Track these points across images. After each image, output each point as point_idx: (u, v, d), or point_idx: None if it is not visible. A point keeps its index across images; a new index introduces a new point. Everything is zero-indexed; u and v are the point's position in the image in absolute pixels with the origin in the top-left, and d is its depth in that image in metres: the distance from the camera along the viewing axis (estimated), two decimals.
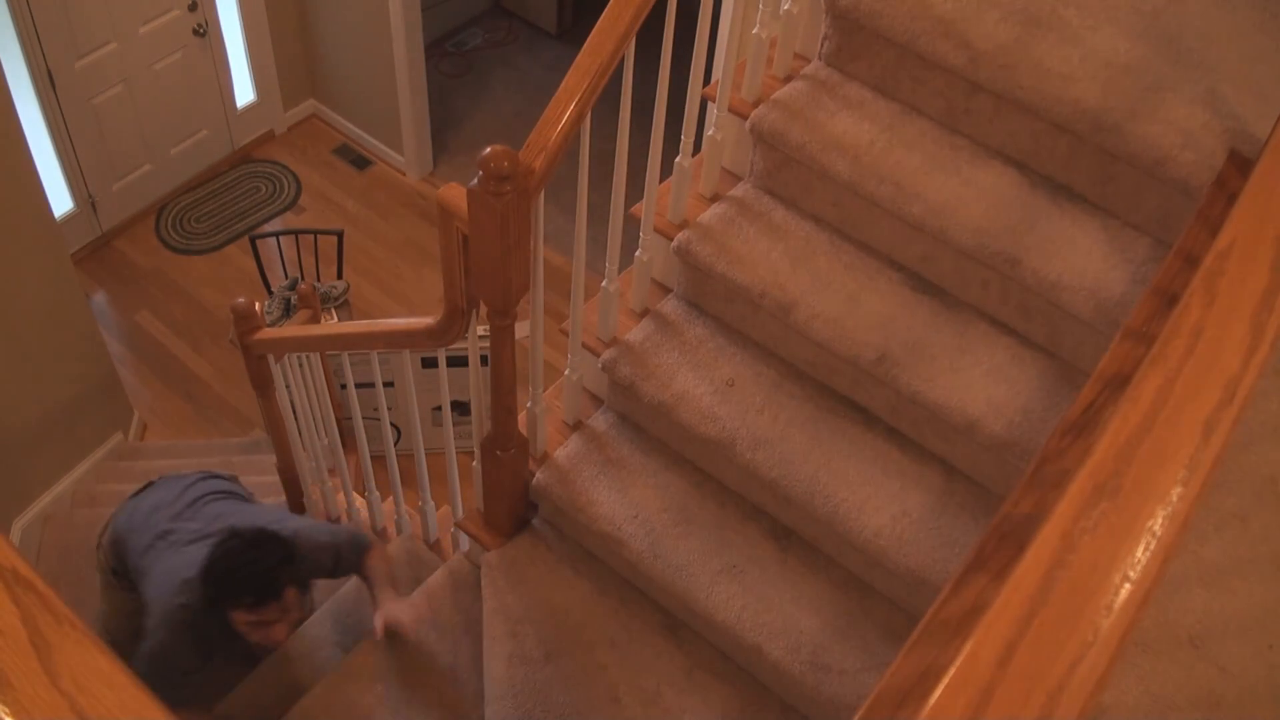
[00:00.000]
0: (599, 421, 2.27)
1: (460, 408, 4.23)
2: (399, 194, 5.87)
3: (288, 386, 3.02)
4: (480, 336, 2.10)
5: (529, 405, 2.14)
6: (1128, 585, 0.81)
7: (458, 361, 3.74)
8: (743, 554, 2.07)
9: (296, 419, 3.11)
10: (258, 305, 3.02)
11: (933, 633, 0.86)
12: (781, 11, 2.18)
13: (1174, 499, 0.87)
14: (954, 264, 2.02)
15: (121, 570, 2.58)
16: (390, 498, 3.08)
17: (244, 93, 5.81)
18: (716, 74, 2.24)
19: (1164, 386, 0.96)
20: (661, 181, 2.15)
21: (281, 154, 6.00)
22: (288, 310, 4.64)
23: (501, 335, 1.88)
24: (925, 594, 1.90)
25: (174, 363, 5.03)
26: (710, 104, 2.22)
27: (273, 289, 4.86)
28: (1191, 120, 1.84)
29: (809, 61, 2.23)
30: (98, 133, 5.10)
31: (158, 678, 2.15)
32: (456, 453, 2.58)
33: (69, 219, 5.17)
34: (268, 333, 2.99)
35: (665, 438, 2.21)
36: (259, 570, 2.11)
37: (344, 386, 2.84)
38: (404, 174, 5.94)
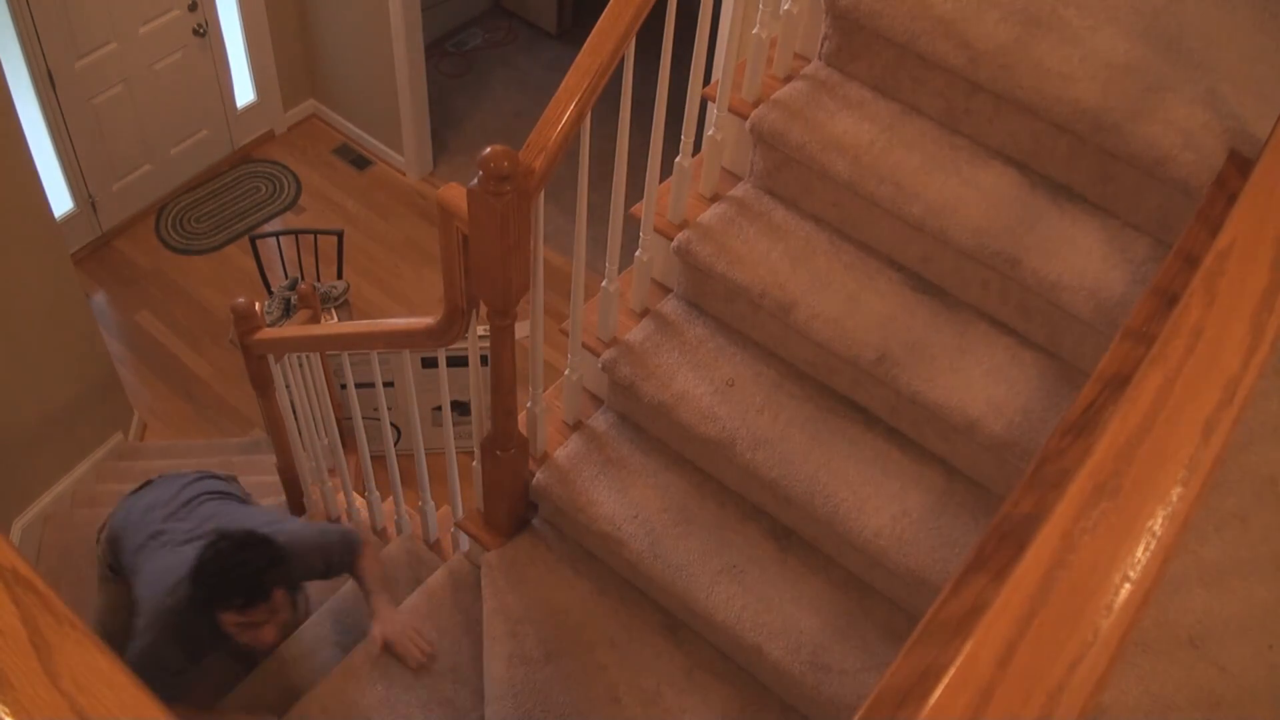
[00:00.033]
0: (599, 421, 2.27)
1: (460, 408, 4.23)
2: (399, 194, 5.87)
3: (288, 386, 3.02)
4: (480, 336, 2.10)
5: (529, 405, 2.14)
6: (1128, 585, 0.81)
7: (458, 361, 3.74)
8: (743, 554, 2.07)
9: (296, 419, 3.11)
10: (258, 305, 3.02)
11: (933, 633, 0.86)
12: (781, 11, 2.18)
13: (1174, 499, 0.87)
14: (954, 264, 2.02)
15: (117, 567, 2.59)
16: (390, 498, 3.08)
17: (244, 93, 5.81)
18: (716, 74, 2.24)
19: (1164, 386, 0.96)
20: (661, 181, 2.15)
21: (281, 154, 6.00)
22: (288, 310, 4.64)
23: (501, 335, 1.88)
24: (925, 594, 1.90)
25: (174, 363, 5.03)
26: (710, 104, 2.22)
27: (273, 289, 4.86)
28: (1191, 120, 1.84)
29: (809, 61, 2.23)
30: (98, 133, 5.10)
31: (147, 678, 2.15)
32: (456, 453, 2.58)
33: (69, 219, 5.17)
34: (268, 333, 2.99)
35: (665, 438, 2.21)
36: (247, 572, 2.12)
37: (344, 386, 2.84)
38: (404, 174, 5.94)
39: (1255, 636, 1.54)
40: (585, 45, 1.73)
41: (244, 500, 2.71)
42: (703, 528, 2.10)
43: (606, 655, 2.09)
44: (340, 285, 4.86)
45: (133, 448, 4.50)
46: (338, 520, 3.30)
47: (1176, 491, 0.88)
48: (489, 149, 1.58)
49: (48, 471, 4.15)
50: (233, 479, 2.87)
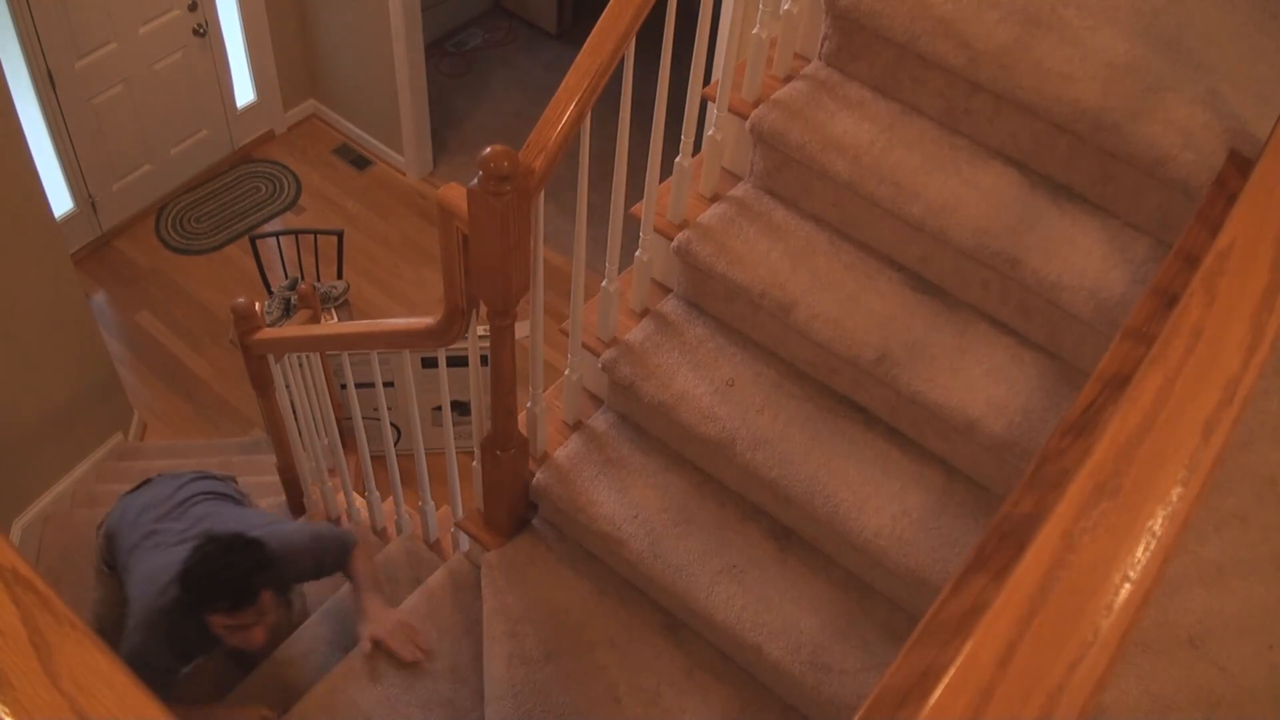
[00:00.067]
0: (599, 421, 2.27)
1: (460, 408, 4.23)
2: (399, 194, 5.87)
3: (288, 386, 3.02)
4: (480, 336, 2.10)
5: (529, 405, 2.14)
6: (1128, 585, 0.81)
7: (458, 361, 3.74)
8: (743, 554, 2.07)
9: (296, 419, 3.11)
10: (258, 305, 3.02)
11: (933, 633, 0.86)
12: (781, 11, 2.18)
13: (1174, 499, 0.87)
14: (954, 264, 2.02)
15: (113, 563, 2.60)
16: (390, 498, 3.08)
17: (244, 93, 5.81)
18: (716, 74, 2.24)
19: (1164, 386, 0.96)
20: (661, 181, 2.15)
21: (281, 154, 6.00)
22: (288, 310, 4.64)
23: (501, 335, 1.88)
24: (925, 594, 1.90)
25: (174, 363, 5.03)
26: (710, 104, 2.22)
27: (273, 289, 4.86)
28: (1191, 120, 1.84)
29: (809, 61, 2.23)
30: (98, 133, 5.10)
31: (137, 677, 2.16)
32: (456, 453, 2.59)
33: (69, 219, 5.17)
34: (268, 333, 2.99)
35: (665, 438, 2.21)
36: (234, 575, 2.13)
37: (344, 386, 2.84)
38: (404, 174, 5.94)
39: (1255, 636, 1.54)
40: (585, 45, 1.73)
41: (240, 501, 2.72)
42: (703, 528, 2.10)
43: (606, 655, 2.09)
44: (340, 285, 4.86)
45: (133, 448, 4.50)
46: (337, 520, 3.30)
47: (1176, 491, 0.88)
48: (489, 149, 1.58)
49: (48, 471, 4.15)
50: (231, 479, 2.87)
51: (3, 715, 0.61)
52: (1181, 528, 0.86)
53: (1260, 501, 1.66)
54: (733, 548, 2.07)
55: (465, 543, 2.43)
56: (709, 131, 2.21)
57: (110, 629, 2.54)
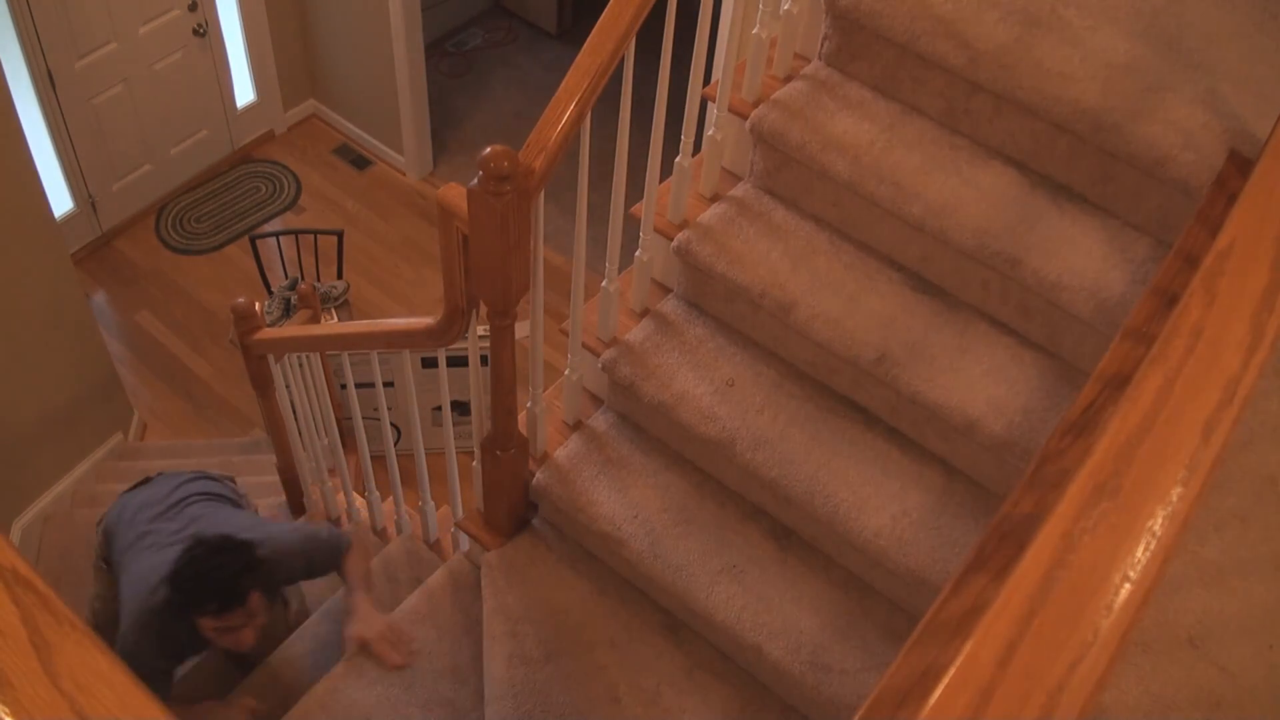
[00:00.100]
0: (599, 421, 2.27)
1: (460, 408, 4.23)
2: (399, 194, 5.87)
3: (288, 386, 3.02)
4: (480, 336, 2.10)
5: (529, 405, 2.14)
6: (1128, 585, 0.81)
7: (458, 361, 3.74)
8: (743, 554, 2.07)
9: (296, 419, 3.11)
10: (258, 305, 3.02)
11: (933, 633, 0.86)
12: (781, 11, 2.18)
13: (1174, 499, 0.87)
14: (954, 264, 2.02)
15: (110, 561, 2.61)
16: (390, 498, 3.08)
17: (244, 93, 5.81)
18: (716, 74, 2.24)
19: (1164, 386, 0.96)
20: (661, 181, 2.15)
21: (281, 154, 6.00)
22: (288, 310, 4.64)
23: (501, 335, 1.88)
24: (925, 594, 1.90)
25: (174, 363, 5.03)
26: (710, 104, 2.22)
27: (273, 289, 4.86)
28: (1191, 120, 1.84)
29: (809, 61, 2.23)
30: (98, 133, 5.10)
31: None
32: (456, 453, 2.59)
33: (69, 219, 5.17)
34: (268, 333, 2.99)
35: (665, 438, 2.21)
36: (221, 577, 2.13)
37: (344, 386, 2.84)
38: (404, 174, 5.94)
39: (1255, 636, 1.54)
40: (585, 45, 1.73)
41: (236, 502, 2.72)
42: (703, 528, 2.10)
43: (606, 655, 2.09)
44: (340, 285, 4.86)
45: (133, 448, 4.50)
46: (337, 520, 3.30)
47: (1176, 491, 0.88)
48: (489, 149, 1.58)
49: (48, 471, 4.15)
50: (230, 480, 2.87)
51: (3, 715, 0.61)
52: (1181, 528, 0.86)
53: (1260, 501, 1.66)
54: (733, 548, 2.07)
55: (465, 543, 2.43)
56: (709, 131, 2.21)
57: (107, 625, 2.55)
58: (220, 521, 2.44)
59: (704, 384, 2.11)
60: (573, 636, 2.12)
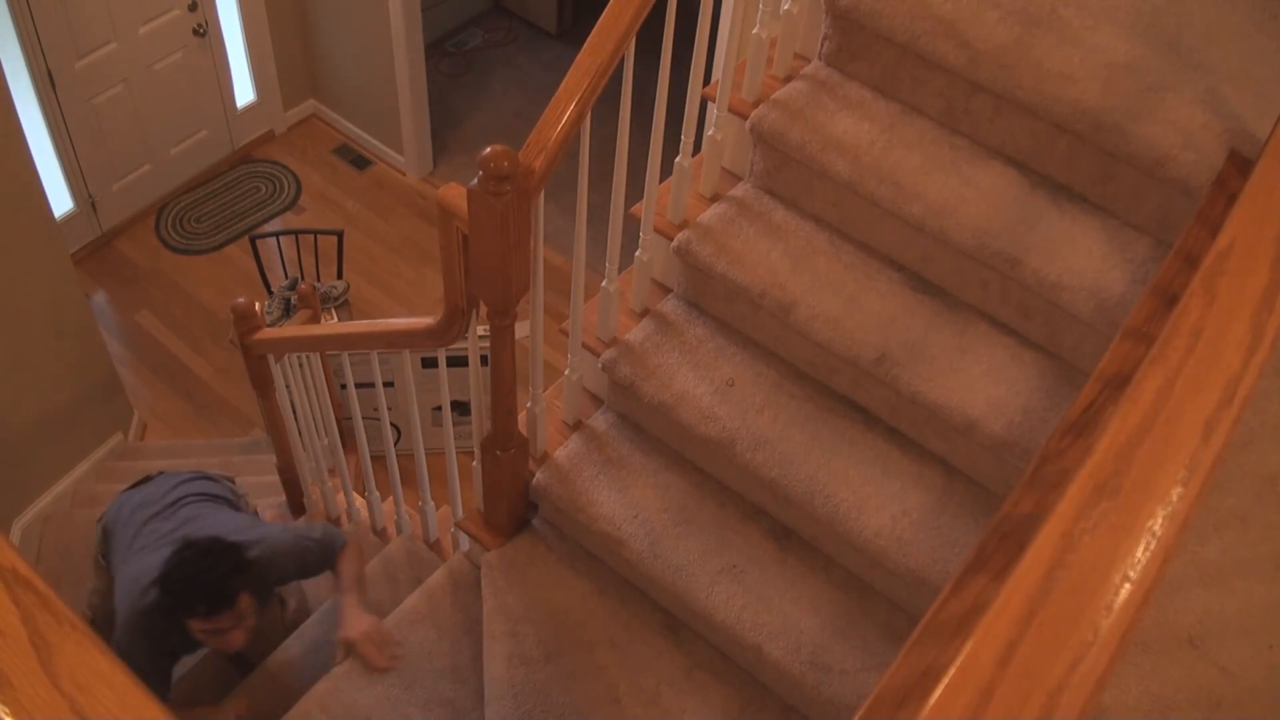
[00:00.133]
0: (599, 421, 2.27)
1: (460, 408, 4.23)
2: (399, 194, 5.87)
3: (288, 386, 3.02)
4: (480, 336, 2.10)
5: (529, 405, 2.14)
6: (1128, 585, 0.80)
7: (458, 361, 3.74)
8: (743, 554, 2.07)
9: (296, 419, 3.11)
10: (258, 305, 3.02)
11: (933, 633, 0.86)
12: (781, 11, 2.18)
13: (1174, 499, 0.87)
14: (954, 264, 2.02)
15: (108, 558, 2.62)
16: (390, 498, 3.08)
17: (244, 93, 5.81)
18: (716, 74, 2.24)
19: (1164, 386, 0.96)
20: (661, 181, 2.15)
21: (281, 154, 6.00)
22: (288, 310, 4.64)
23: (501, 335, 1.88)
24: (925, 594, 1.90)
25: (174, 363, 5.03)
26: (710, 104, 2.22)
27: (273, 289, 4.86)
28: (1191, 120, 1.84)
29: (809, 61, 2.23)
30: (98, 133, 5.10)
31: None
32: (456, 453, 2.59)
33: (69, 219, 5.17)
34: (268, 333, 2.99)
35: (665, 438, 2.21)
36: (209, 580, 2.14)
37: (344, 386, 2.84)
38: (404, 174, 5.94)
39: (1255, 636, 1.54)
40: (585, 45, 1.73)
41: (234, 503, 2.72)
42: (703, 528, 2.10)
43: (606, 655, 2.09)
44: (340, 285, 4.86)
45: (133, 448, 4.50)
46: (337, 520, 3.30)
47: (1176, 491, 0.88)
48: (489, 149, 1.58)
49: (48, 471, 4.15)
50: (229, 480, 2.87)
51: (3, 715, 0.61)
52: (1181, 528, 0.86)
53: (1260, 501, 1.66)
54: (733, 548, 2.07)
55: (465, 543, 2.43)
56: (709, 131, 2.21)
57: (104, 621, 2.57)
58: (212, 523, 2.45)
59: (704, 384, 2.11)
60: (573, 636, 2.12)
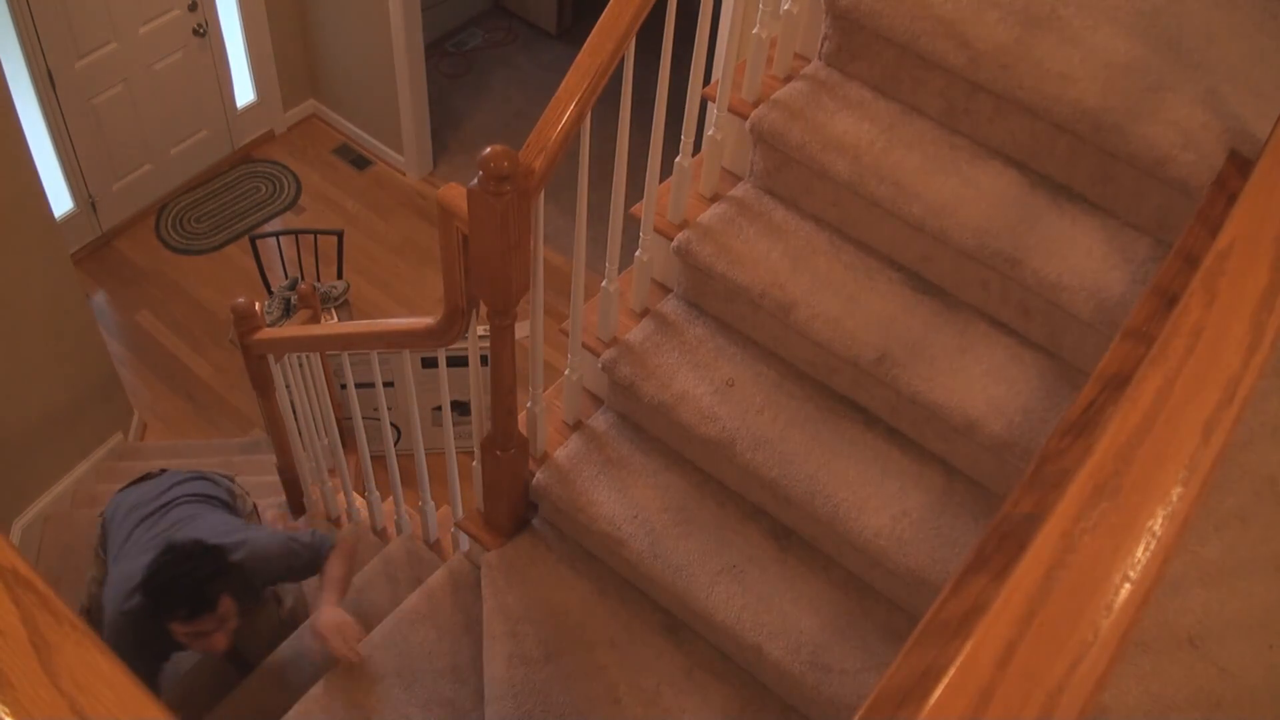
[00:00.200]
0: (599, 421, 2.27)
1: (460, 408, 4.23)
2: (399, 194, 5.87)
3: (288, 386, 3.02)
4: (480, 336, 2.10)
5: (529, 405, 2.14)
6: (1128, 585, 0.80)
7: (458, 361, 3.74)
8: (743, 554, 2.07)
9: (296, 419, 3.11)
10: (258, 305, 3.02)
11: (933, 633, 0.86)
12: (781, 11, 2.18)
13: (1174, 499, 0.87)
14: (954, 264, 2.02)
15: (105, 552, 2.63)
16: (390, 498, 3.08)
17: (244, 93, 5.81)
18: (716, 74, 2.24)
19: (1164, 386, 0.96)
20: (661, 181, 2.15)
21: (281, 154, 6.00)
22: (288, 310, 4.64)
23: (501, 335, 1.88)
24: (925, 594, 1.90)
25: (174, 363, 5.03)
26: (710, 104, 2.22)
27: (273, 289, 4.86)
28: (1191, 120, 1.84)
29: (809, 61, 2.23)
30: (98, 133, 5.10)
31: None
32: (456, 453, 2.59)
33: (69, 219, 5.17)
34: (268, 333, 2.99)
35: (665, 438, 2.21)
36: (190, 583, 2.15)
37: (344, 386, 2.84)
38: (404, 174, 5.94)
39: (1255, 636, 1.54)
40: (585, 45, 1.73)
41: (230, 504, 2.73)
42: (703, 528, 2.10)
43: (606, 655, 2.09)
44: (340, 285, 4.86)
45: (133, 448, 4.50)
46: (337, 520, 3.30)
47: (1176, 491, 0.88)
48: (489, 149, 1.58)
49: (48, 471, 4.15)
50: (229, 479, 2.87)
51: (3, 715, 0.61)
52: (1181, 528, 0.86)
53: (1260, 501, 1.66)
54: (733, 548, 2.07)
55: (465, 543, 2.43)
56: (709, 131, 2.21)
57: (102, 609, 2.57)
58: (199, 525, 2.46)
59: (704, 384, 2.11)
60: (573, 636, 2.12)
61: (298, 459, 3.24)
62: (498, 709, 2.02)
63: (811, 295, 2.04)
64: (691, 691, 2.06)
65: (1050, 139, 1.97)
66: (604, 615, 2.16)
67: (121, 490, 2.73)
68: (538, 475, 2.18)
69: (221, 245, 5.54)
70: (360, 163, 6.00)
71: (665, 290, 2.30)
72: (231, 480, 2.90)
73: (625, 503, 2.12)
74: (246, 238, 5.21)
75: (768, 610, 1.99)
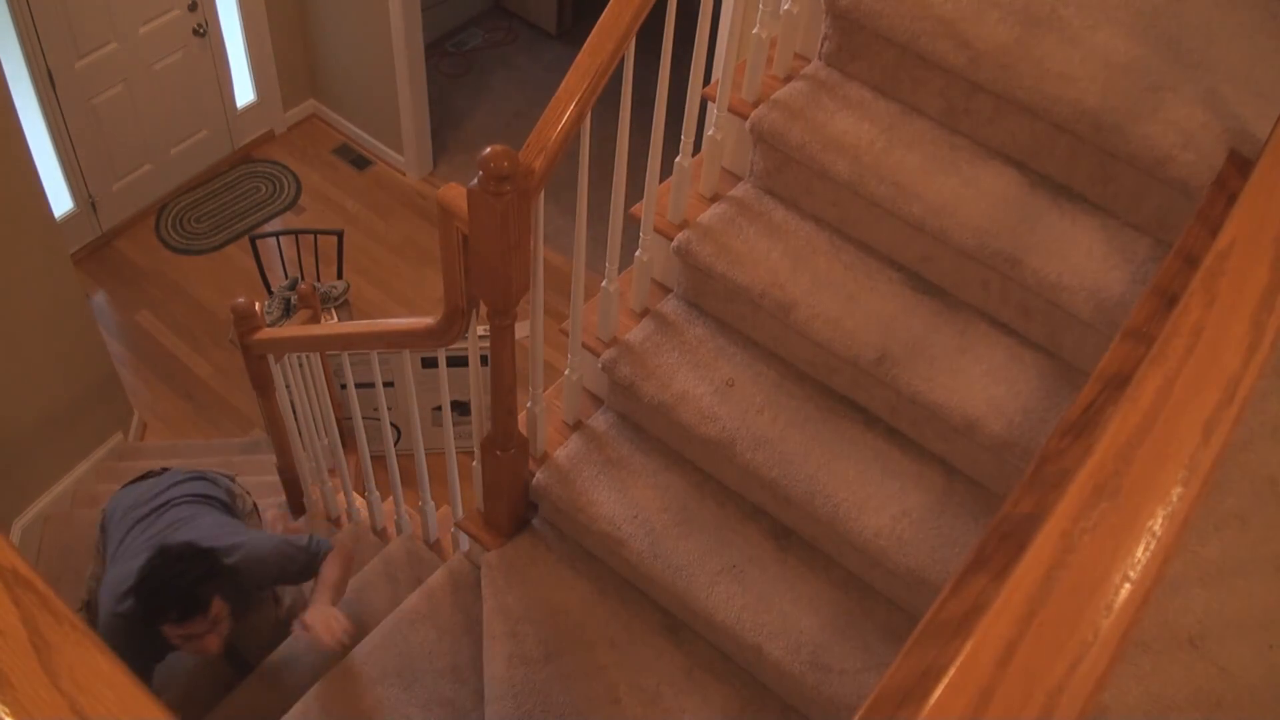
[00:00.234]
0: (599, 421, 2.27)
1: (460, 408, 4.23)
2: (399, 194, 5.87)
3: (288, 386, 3.02)
4: (480, 336, 2.10)
5: (529, 405, 2.14)
6: (1128, 585, 0.80)
7: (458, 361, 3.74)
8: (743, 554, 2.07)
9: (296, 419, 3.11)
10: (258, 305, 3.02)
11: (933, 633, 0.86)
12: (781, 11, 2.18)
13: (1174, 499, 0.87)
14: (954, 264, 2.02)
15: (104, 549, 2.63)
16: (390, 498, 3.08)
17: (244, 93, 5.81)
18: (716, 74, 2.24)
19: (1164, 386, 0.96)
20: (661, 181, 2.15)
21: (281, 154, 6.00)
22: (288, 310, 4.64)
23: (501, 335, 1.88)
24: (925, 594, 1.90)
25: (174, 363, 5.03)
26: (710, 104, 2.22)
27: (273, 289, 4.86)
28: (1191, 120, 1.84)
29: (809, 61, 2.23)
30: (98, 133, 5.10)
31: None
32: (456, 453, 2.59)
33: (69, 219, 5.17)
34: (268, 333, 2.99)
35: (665, 438, 2.21)
36: (181, 586, 2.15)
37: (344, 386, 2.84)
38: (404, 174, 5.94)
39: (1255, 636, 1.54)
40: (585, 45, 1.73)
41: (228, 504, 2.72)
42: (703, 528, 2.10)
43: (606, 655, 2.09)
44: (340, 285, 4.86)
45: (133, 448, 4.50)
46: (337, 520, 3.30)
47: (1176, 491, 0.88)
48: (489, 149, 1.58)
49: (48, 471, 4.15)
50: (230, 479, 2.87)
51: (3, 715, 0.61)
52: (1181, 528, 0.86)
53: (1260, 501, 1.66)
54: (733, 548, 2.07)
55: (465, 543, 2.43)
56: (709, 131, 2.21)
57: (97, 606, 2.58)
58: (195, 528, 2.46)
59: (704, 384, 2.11)
60: (573, 636, 2.12)
61: (298, 459, 3.24)
62: (498, 709, 2.02)
63: (811, 295, 2.04)
64: (691, 691, 2.06)
65: (1050, 139, 1.97)
66: (604, 615, 2.16)
67: (122, 488, 2.73)
68: (538, 475, 2.18)
69: (221, 245, 5.54)
70: (360, 163, 6.00)
71: (665, 290, 2.30)
72: (232, 480, 2.90)
73: (625, 503, 2.12)
74: (246, 238, 5.21)
75: (768, 610, 1.99)
